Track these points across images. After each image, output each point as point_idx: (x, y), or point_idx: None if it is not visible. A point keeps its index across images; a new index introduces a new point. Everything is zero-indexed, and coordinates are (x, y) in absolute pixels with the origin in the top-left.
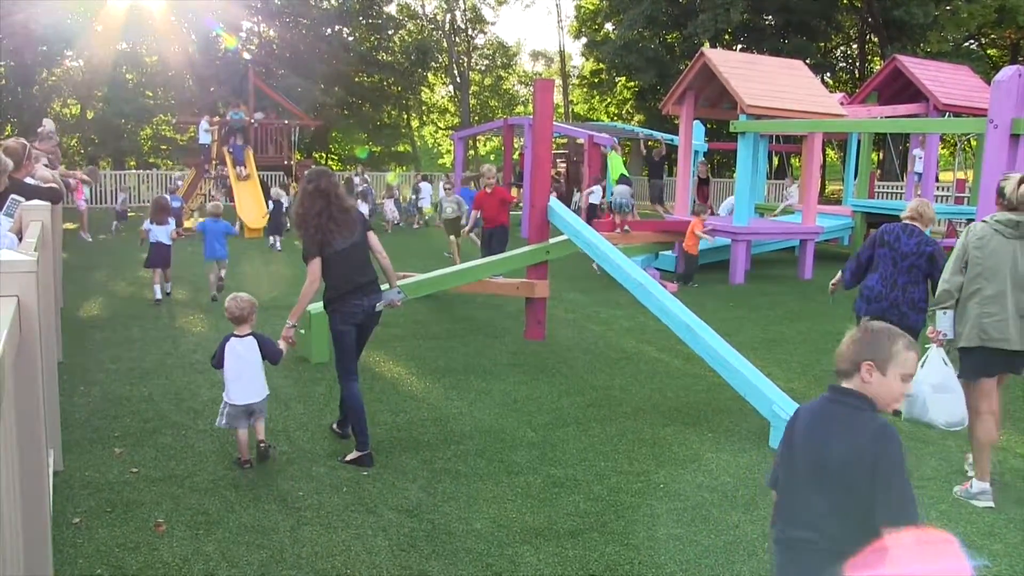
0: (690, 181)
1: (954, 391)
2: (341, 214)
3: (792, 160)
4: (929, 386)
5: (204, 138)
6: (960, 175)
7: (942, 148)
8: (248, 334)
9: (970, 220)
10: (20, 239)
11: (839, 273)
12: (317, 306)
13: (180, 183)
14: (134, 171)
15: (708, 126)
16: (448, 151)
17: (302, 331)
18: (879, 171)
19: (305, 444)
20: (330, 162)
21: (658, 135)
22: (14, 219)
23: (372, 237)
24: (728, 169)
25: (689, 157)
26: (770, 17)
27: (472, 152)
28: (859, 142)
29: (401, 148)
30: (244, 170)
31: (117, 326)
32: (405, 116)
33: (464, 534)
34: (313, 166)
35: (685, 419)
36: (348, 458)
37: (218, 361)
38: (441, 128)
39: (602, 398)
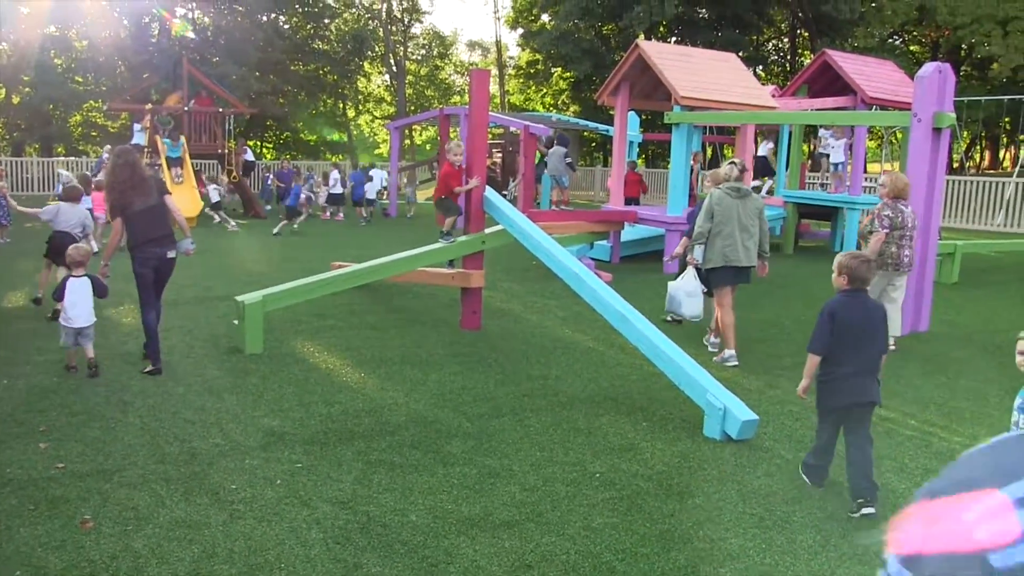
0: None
1: (697, 296)
2: (140, 183)
3: (725, 151)
4: (683, 292)
5: (138, 139)
6: (887, 167)
7: (869, 140)
8: (83, 275)
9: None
10: None
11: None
12: (251, 296)
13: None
14: (63, 158)
15: (643, 117)
16: (384, 140)
17: (235, 321)
18: (809, 162)
19: (238, 436)
20: (264, 150)
21: (593, 125)
22: None
23: (168, 200)
24: (662, 160)
25: (623, 148)
26: (704, 10)
27: (408, 142)
28: (790, 134)
29: (336, 137)
30: (180, 173)
31: (44, 316)
32: (341, 105)
33: (399, 526)
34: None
35: (620, 408)
36: (145, 370)
37: (59, 294)
38: (377, 117)
39: (538, 388)
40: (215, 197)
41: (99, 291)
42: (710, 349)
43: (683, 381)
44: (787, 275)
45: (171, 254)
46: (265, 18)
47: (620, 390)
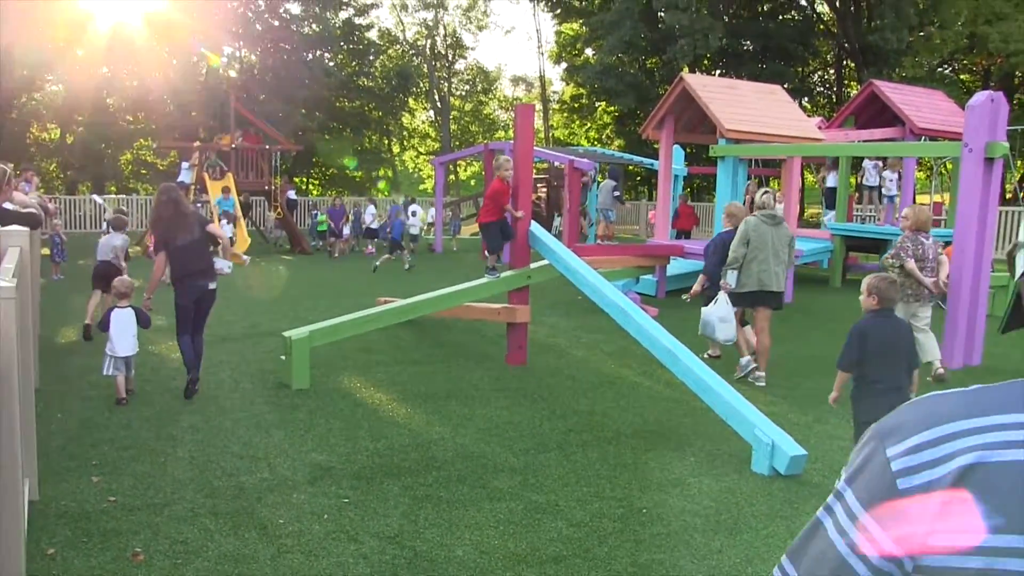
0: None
1: (730, 320)
2: (183, 218)
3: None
4: (717, 317)
5: (185, 177)
6: (936, 198)
7: (918, 171)
8: (128, 306)
9: (947, 243)
10: None
11: None
12: (298, 332)
13: None
14: (114, 196)
15: (687, 150)
16: (429, 176)
17: (282, 357)
18: (856, 195)
19: (285, 471)
20: (310, 186)
21: (638, 159)
22: None
23: (212, 228)
24: (708, 193)
25: (669, 182)
26: (748, 42)
27: (452, 177)
28: (836, 165)
29: (382, 173)
30: (230, 225)
31: (95, 352)
32: (386, 141)
33: (446, 561)
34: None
35: (667, 444)
36: (188, 394)
37: (104, 325)
38: (422, 153)
39: (584, 423)
40: (228, 233)
41: (143, 322)
42: (758, 384)
43: (731, 416)
44: (835, 308)
45: (212, 285)
46: (311, 56)
47: (667, 425)
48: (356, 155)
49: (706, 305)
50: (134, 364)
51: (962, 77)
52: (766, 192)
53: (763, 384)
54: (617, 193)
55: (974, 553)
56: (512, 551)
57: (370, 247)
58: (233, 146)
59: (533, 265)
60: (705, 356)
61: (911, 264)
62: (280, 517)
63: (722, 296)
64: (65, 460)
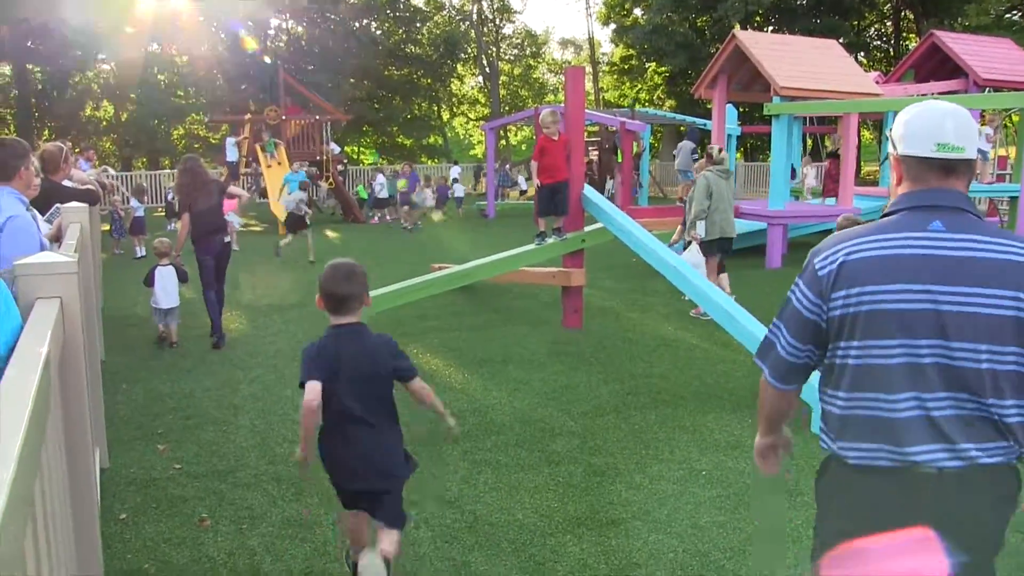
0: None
1: (702, 267)
2: (202, 186)
3: (825, 141)
4: (691, 263)
5: (231, 155)
6: (1001, 152)
7: (981, 123)
8: (168, 264)
9: (1013, 198)
10: (59, 244)
11: None
12: None
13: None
14: (169, 171)
15: (740, 109)
16: (479, 142)
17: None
18: None
19: None
20: (362, 155)
21: (690, 120)
22: (52, 226)
23: (232, 189)
24: (761, 152)
25: (722, 141)
26: None
27: (503, 142)
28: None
29: (432, 140)
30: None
31: (156, 324)
32: (435, 108)
33: (506, 525)
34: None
35: (726, 405)
36: (214, 344)
37: (149, 280)
38: (472, 119)
39: (641, 386)
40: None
41: (181, 277)
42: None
43: None
44: None
45: (227, 239)
46: (357, 25)
47: (725, 387)
48: (406, 123)
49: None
50: (177, 315)
51: None
52: (721, 149)
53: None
54: (695, 156)
55: (850, 298)
56: (572, 514)
57: (376, 218)
58: (283, 117)
59: (587, 228)
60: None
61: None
62: None
63: (693, 245)
64: (132, 430)
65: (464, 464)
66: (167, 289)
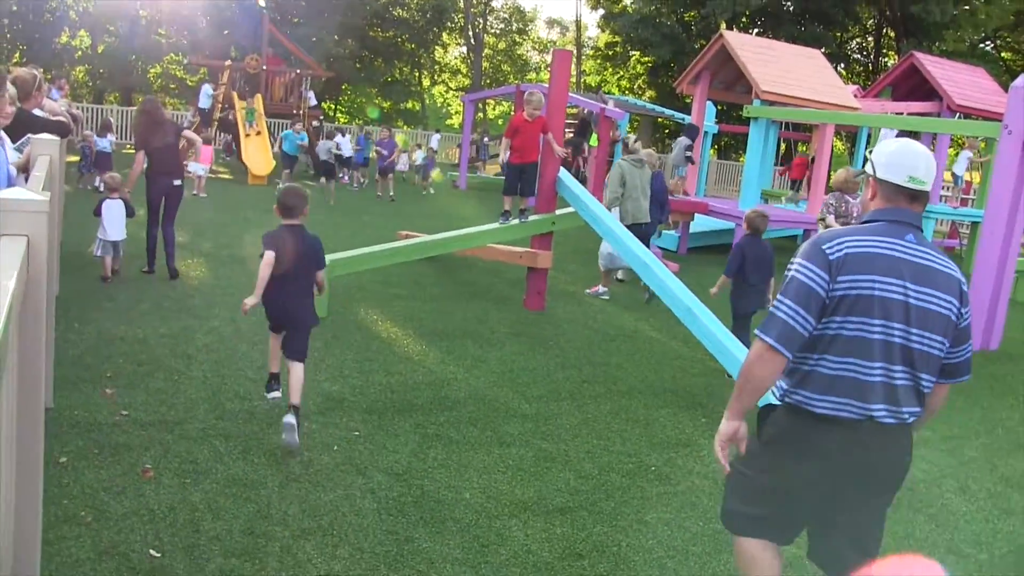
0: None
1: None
2: (156, 126)
3: (799, 147)
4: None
5: (204, 102)
6: (967, 177)
7: (950, 148)
8: (118, 197)
9: (975, 223)
10: (27, 176)
11: None
12: None
13: (188, 123)
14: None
15: (719, 107)
16: (457, 112)
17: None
18: None
19: None
20: (338, 115)
21: (670, 112)
22: (22, 156)
23: (187, 133)
24: (735, 151)
25: (700, 137)
26: (789, 3)
27: (481, 115)
28: (869, 135)
29: (410, 106)
30: (254, 128)
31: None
32: (417, 74)
33: (453, 503)
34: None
35: (680, 402)
36: (143, 269)
37: (97, 210)
38: (452, 89)
39: (598, 374)
40: (200, 172)
41: (129, 212)
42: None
43: None
44: None
45: (177, 182)
46: None
47: (680, 383)
48: (386, 85)
49: None
50: (122, 248)
51: (1004, 55)
52: (637, 139)
53: (607, 297)
54: (689, 153)
55: (851, 282)
56: (519, 498)
57: (345, 177)
58: (264, 67)
59: (559, 211)
60: (600, 291)
61: (831, 219)
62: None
63: None
64: (80, 370)
65: (415, 437)
66: (114, 221)
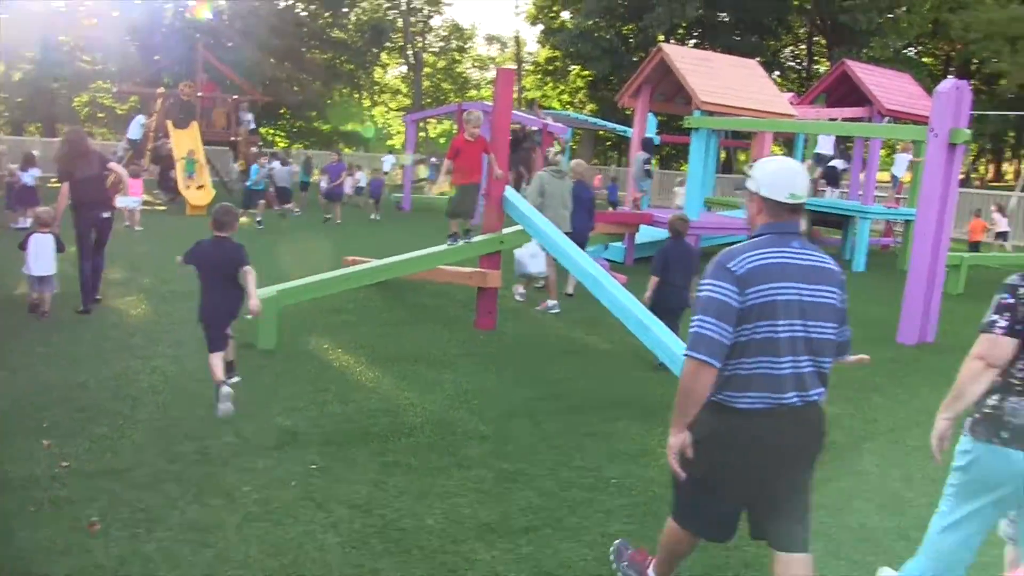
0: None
1: (540, 255)
2: (81, 156)
3: (739, 155)
4: (528, 254)
5: (135, 132)
6: (904, 178)
7: (883, 150)
8: (49, 232)
9: (908, 222)
10: None
11: None
12: (266, 291)
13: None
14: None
15: (660, 118)
16: (398, 132)
17: (248, 316)
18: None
19: (251, 435)
20: (277, 138)
21: (611, 126)
22: None
23: (112, 165)
24: (676, 161)
25: (639, 148)
26: (724, 14)
27: (423, 135)
28: (805, 141)
29: (351, 127)
30: (194, 181)
31: (52, 308)
32: (357, 95)
33: (416, 530)
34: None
35: (635, 413)
36: (77, 310)
37: (23, 244)
38: (392, 109)
39: (553, 391)
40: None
41: (59, 247)
42: (554, 312)
43: None
44: None
45: (106, 214)
46: (283, 3)
47: (635, 395)
48: (326, 108)
49: None
50: (52, 284)
51: (925, 60)
52: (558, 152)
53: (558, 311)
54: (648, 167)
55: (757, 292)
56: (483, 520)
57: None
58: (199, 94)
59: (506, 230)
60: (517, 298)
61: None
62: (246, 483)
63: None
64: (11, 423)
65: (374, 466)
66: (40, 256)
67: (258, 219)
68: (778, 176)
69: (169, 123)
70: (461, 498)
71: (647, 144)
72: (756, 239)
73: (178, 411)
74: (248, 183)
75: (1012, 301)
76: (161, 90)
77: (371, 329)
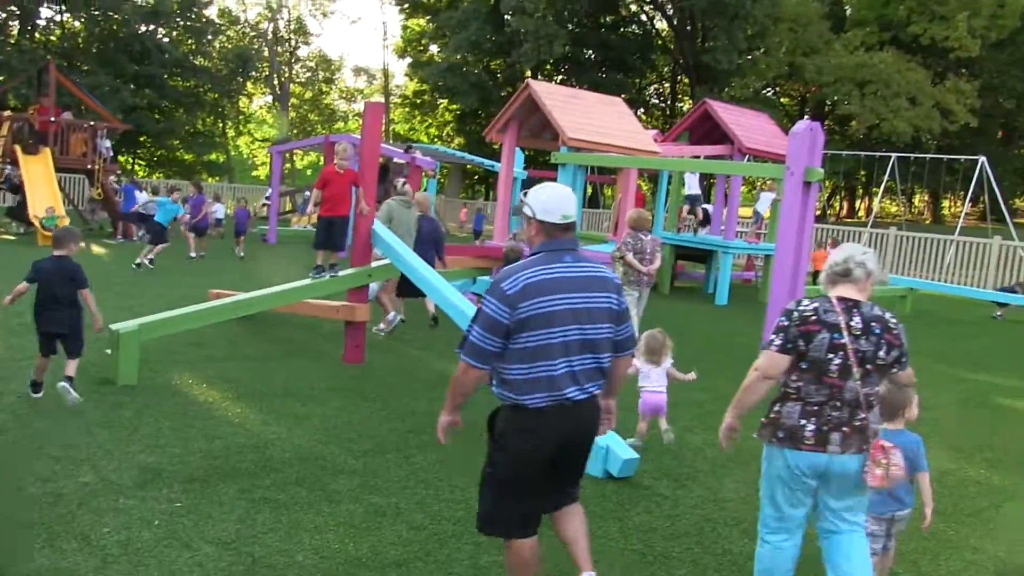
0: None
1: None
2: None
3: (604, 190)
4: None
5: None
6: (766, 215)
7: (743, 186)
8: None
9: (768, 256)
10: None
11: None
12: (127, 324)
13: None
14: None
15: (527, 152)
16: (264, 163)
17: (107, 351)
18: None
19: (111, 474)
20: (137, 167)
21: (479, 160)
22: None
23: None
24: None
25: (510, 184)
26: (590, 51)
27: (288, 166)
28: (669, 178)
29: (214, 157)
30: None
31: None
32: (221, 124)
33: (285, 567)
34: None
35: None
36: None
37: None
38: (258, 139)
39: (422, 423)
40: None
41: None
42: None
43: None
44: (663, 314)
45: None
46: (144, 28)
47: None
48: (188, 137)
49: None
50: None
51: (783, 100)
52: (405, 182)
53: (399, 321)
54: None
55: (530, 306)
56: (353, 555)
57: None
58: (52, 119)
59: (374, 264)
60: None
61: (630, 257)
62: (105, 525)
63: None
64: None
65: (241, 503)
66: None
67: (150, 258)
68: (551, 202)
69: (17, 148)
70: (331, 533)
71: (530, 184)
72: (533, 257)
73: (27, 451)
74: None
75: (787, 323)
76: (8, 113)
77: (237, 364)
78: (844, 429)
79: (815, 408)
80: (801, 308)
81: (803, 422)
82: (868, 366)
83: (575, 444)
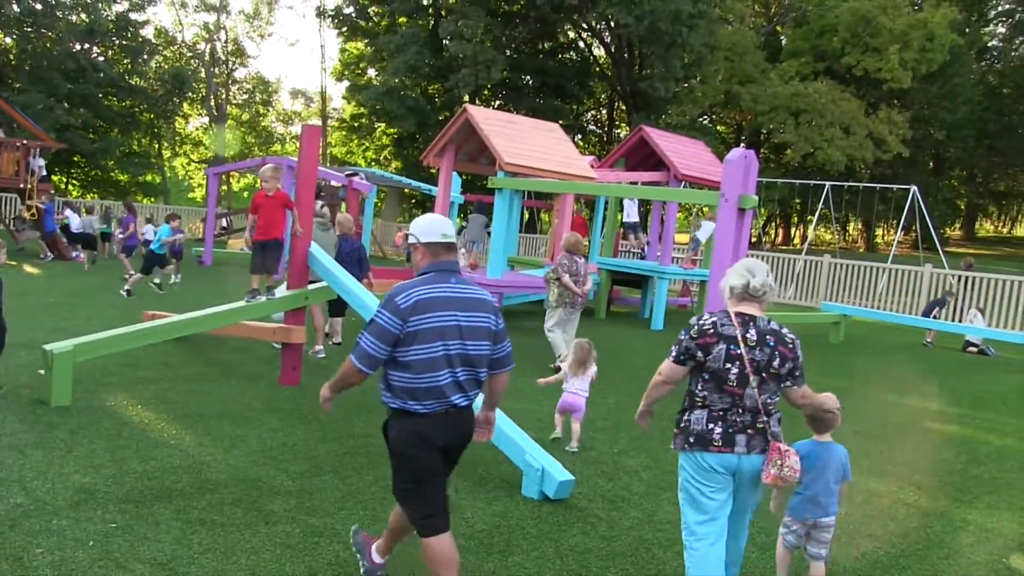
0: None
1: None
2: None
3: (541, 215)
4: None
5: None
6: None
7: (679, 212)
8: None
9: (703, 282)
10: None
11: None
12: (61, 345)
13: None
14: None
15: (464, 177)
16: (200, 185)
17: (41, 371)
18: (623, 230)
19: (44, 495)
20: (70, 187)
21: (416, 184)
22: None
23: None
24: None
25: (447, 208)
26: (528, 77)
27: (225, 188)
28: (606, 203)
29: (150, 178)
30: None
31: None
32: (156, 145)
33: None
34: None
35: None
36: None
37: None
38: (194, 161)
39: (359, 446)
40: None
41: None
42: (321, 357)
43: (503, 442)
44: (599, 338)
45: None
46: (78, 47)
47: None
48: (123, 157)
49: None
50: None
51: (719, 128)
52: (324, 206)
53: (324, 355)
54: (489, 229)
55: (420, 320)
56: (290, 575)
57: (79, 255)
58: None
59: (311, 286)
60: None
61: (566, 278)
62: (38, 546)
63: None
64: None
65: (177, 524)
66: None
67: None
68: (431, 226)
69: None
70: (268, 554)
71: (481, 207)
72: (423, 276)
73: None
74: (154, 246)
75: (684, 337)
76: None
77: (172, 385)
78: (748, 431)
79: (720, 414)
80: (700, 323)
81: (711, 426)
82: (763, 374)
83: (457, 446)
